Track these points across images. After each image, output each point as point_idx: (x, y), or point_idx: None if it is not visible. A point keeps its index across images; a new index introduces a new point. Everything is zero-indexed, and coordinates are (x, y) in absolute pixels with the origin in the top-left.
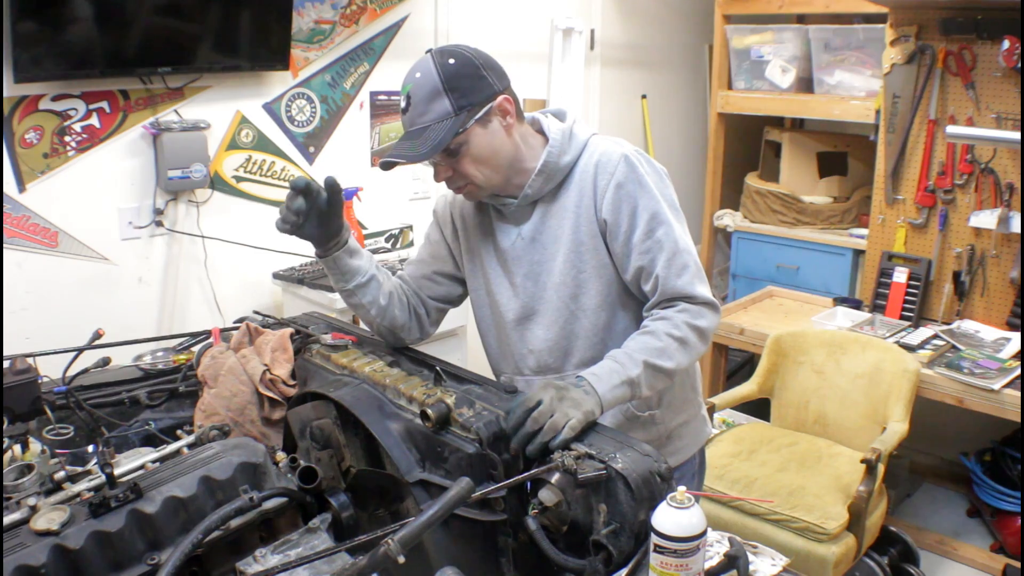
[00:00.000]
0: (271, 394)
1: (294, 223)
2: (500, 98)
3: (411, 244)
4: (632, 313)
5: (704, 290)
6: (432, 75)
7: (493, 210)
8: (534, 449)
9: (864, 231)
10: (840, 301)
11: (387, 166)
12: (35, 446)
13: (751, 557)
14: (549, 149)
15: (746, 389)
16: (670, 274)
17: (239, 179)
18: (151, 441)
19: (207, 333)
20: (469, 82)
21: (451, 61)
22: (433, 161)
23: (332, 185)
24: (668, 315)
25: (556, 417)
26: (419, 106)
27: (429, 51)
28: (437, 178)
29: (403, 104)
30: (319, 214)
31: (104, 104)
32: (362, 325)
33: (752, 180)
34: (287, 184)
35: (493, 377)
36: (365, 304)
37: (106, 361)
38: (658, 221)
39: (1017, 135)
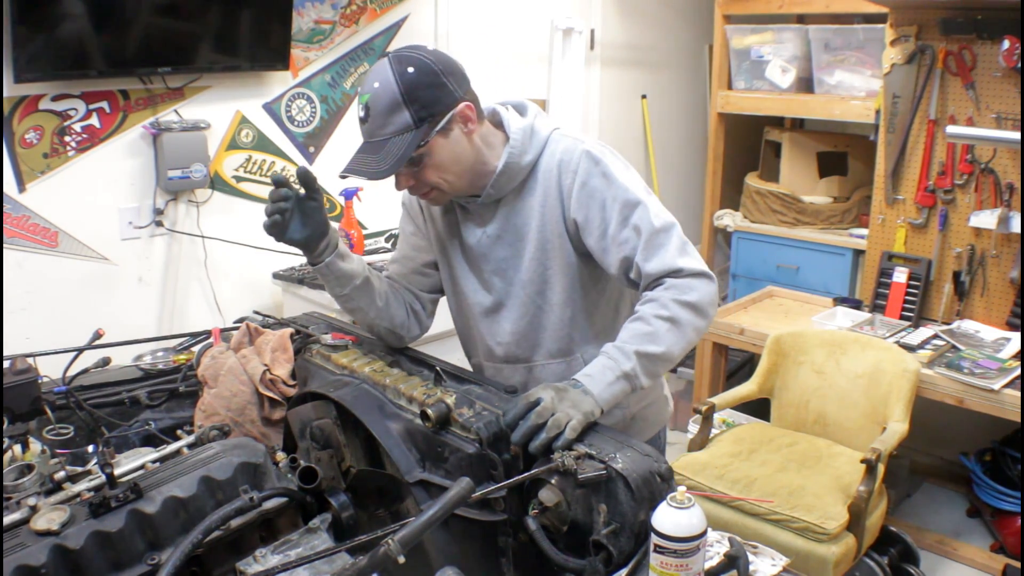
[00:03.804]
0: (271, 394)
1: (281, 212)
2: (461, 105)
3: None
4: (598, 309)
5: (689, 261)
6: (391, 85)
7: (458, 207)
8: (538, 446)
9: (864, 231)
10: (840, 301)
11: (346, 177)
12: (35, 446)
13: (751, 557)
14: (510, 150)
15: (746, 389)
16: (650, 255)
17: (239, 179)
18: (151, 441)
19: (207, 333)
20: (429, 92)
21: (410, 70)
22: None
23: (304, 174)
24: (655, 295)
25: (558, 415)
26: (378, 118)
27: (387, 55)
28: (399, 187)
29: (362, 114)
30: (300, 210)
31: (104, 104)
32: None
33: (752, 180)
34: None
35: (465, 360)
36: (364, 307)
37: (106, 361)
38: (630, 208)
39: (1017, 135)
